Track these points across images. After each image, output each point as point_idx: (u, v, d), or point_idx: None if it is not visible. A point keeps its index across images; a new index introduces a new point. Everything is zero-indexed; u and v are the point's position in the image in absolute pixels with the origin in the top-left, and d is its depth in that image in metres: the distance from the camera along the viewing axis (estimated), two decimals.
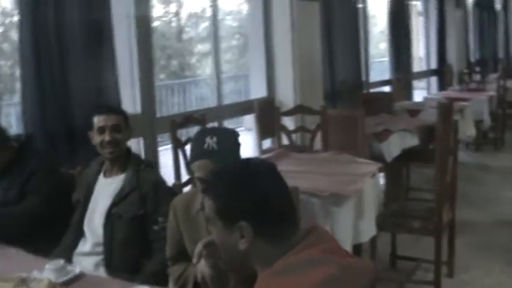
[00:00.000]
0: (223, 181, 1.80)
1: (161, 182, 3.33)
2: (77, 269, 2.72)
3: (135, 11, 5.25)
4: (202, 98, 12.70)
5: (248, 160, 1.90)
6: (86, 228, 3.28)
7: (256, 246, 1.71)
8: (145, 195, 3.18)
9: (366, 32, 9.51)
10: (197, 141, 2.48)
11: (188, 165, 2.55)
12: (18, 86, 4.38)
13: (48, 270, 2.64)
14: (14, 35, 4.35)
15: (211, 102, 11.36)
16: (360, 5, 9.00)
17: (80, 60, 4.58)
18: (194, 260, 2.09)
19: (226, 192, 1.76)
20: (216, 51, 6.79)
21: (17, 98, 11.70)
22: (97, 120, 3.32)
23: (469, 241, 5.32)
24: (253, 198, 1.72)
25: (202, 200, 2.59)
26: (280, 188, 1.79)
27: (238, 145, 2.58)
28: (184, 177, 5.14)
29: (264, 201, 1.72)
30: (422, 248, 4.82)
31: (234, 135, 2.59)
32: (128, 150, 3.42)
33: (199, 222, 2.63)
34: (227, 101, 6.76)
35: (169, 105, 11.52)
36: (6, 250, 3.07)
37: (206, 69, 15.85)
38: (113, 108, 3.53)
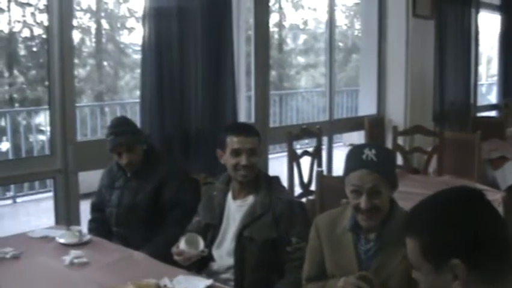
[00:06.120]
0: (429, 214, 1.59)
1: (295, 201, 3.18)
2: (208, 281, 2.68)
3: (254, 21, 5.28)
4: (299, 110, 12.61)
5: (453, 188, 1.66)
6: (215, 252, 3.12)
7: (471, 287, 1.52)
8: (279, 217, 2.99)
9: (476, 53, 9.22)
10: (354, 153, 2.44)
11: (342, 178, 2.46)
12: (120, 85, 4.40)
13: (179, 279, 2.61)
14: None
15: (317, 116, 11.26)
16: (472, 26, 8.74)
17: (200, 66, 4.61)
18: None
19: (434, 227, 1.56)
20: (330, 64, 6.70)
21: (118, 98, 11.95)
22: (232, 141, 3.05)
23: None
24: (467, 230, 1.52)
25: (351, 218, 2.53)
26: (494, 218, 1.59)
27: (395, 159, 2.54)
28: (297, 190, 5.10)
29: (479, 233, 1.52)
30: None
31: (390, 150, 2.55)
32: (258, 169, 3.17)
33: (344, 243, 2.55)
34: (326, 116, 6.63)
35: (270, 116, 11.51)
36: (134, 255, 3.08)
37: (301, 82, 15.74)
38: (251, 129, 3.18)
